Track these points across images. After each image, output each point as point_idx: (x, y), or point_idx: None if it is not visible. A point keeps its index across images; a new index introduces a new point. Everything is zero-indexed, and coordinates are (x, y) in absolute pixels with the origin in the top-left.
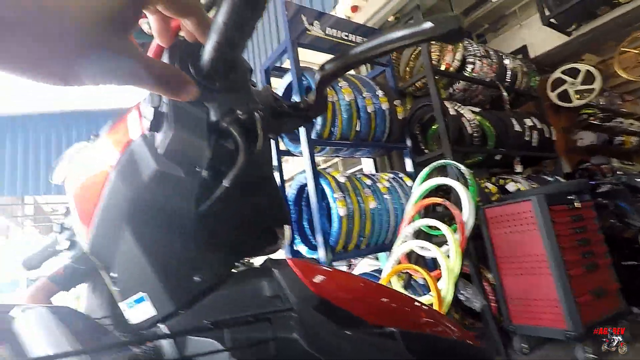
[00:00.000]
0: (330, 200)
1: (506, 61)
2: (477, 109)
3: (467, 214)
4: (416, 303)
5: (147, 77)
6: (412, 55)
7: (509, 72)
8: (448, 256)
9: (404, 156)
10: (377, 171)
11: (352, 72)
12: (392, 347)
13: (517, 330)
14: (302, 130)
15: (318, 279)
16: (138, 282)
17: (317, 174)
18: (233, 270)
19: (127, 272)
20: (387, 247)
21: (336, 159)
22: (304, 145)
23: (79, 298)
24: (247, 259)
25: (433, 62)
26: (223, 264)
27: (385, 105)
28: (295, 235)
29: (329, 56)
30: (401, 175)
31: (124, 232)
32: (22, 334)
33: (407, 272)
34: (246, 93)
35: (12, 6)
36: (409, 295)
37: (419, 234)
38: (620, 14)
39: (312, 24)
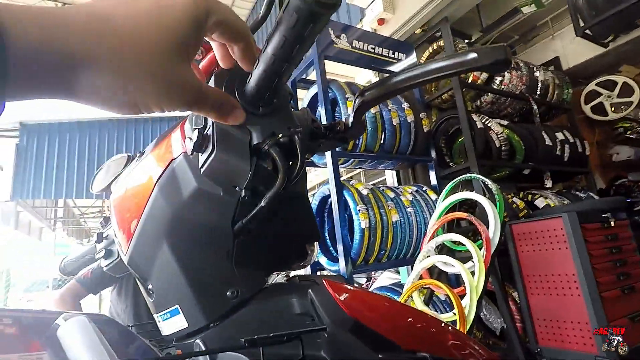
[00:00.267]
0: (353, 212)
1: (537, 73)
2: (505, 122)
3: (493, 229)
4: (443, 324)
5: (205, 103)
6: None
7: (539, 85)
8: (472, 273)
9: (428, 169)
10: (400, 183)
11: None
12: None
13: (543, 353)
14: None
15: (352, 300)
16: (173, 295)
17: (340, 186)
18: (264, 285)
19: (163, 285)
20: (408, 261)
21: (359, 170)
22: (328, 157)
23: (103, 299)
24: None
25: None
26: (254, 279)
27: (410, 118)
28: None
29: (355, 68)
30: (425, 188)
31: (163, 246)
32: (64, 342)
33: (428, 288)
34: (286, 116)
35: (97, 46)
36: (434, 316)
37: (442, 249)
38: None
39: (339, 37)
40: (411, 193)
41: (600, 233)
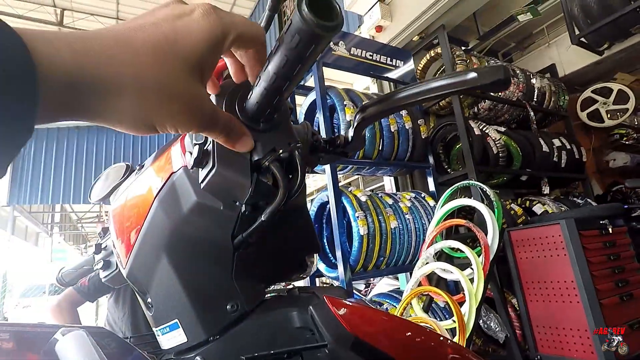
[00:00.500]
0: (351, 218)
1: (534, 80)
2: (502, 129)
3: (491, 236)
4: (442, 339)
5: (216, 127)
6: (437, 74)
7: (536, 91)
8: (471, 280)
9: (426, 175)
10: (398, 190)
11: (375, 90)
12: None
13: None
14: None
15: (352, 316)
16: (172, 309)
17: (338, 193)
18: (263, 298)
19: (162, 299)
20: (407, 267)
21: (357, 176)
22: (326, 165)
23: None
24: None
25: None
26: (254, 293)
27: (408, 125)
28: None
29: (353, 75)
30: (423, 194)
31: (162, 260)
32: (62, 357)
33: (428, 295)
34: (287, 131)
35: (120, 72)
36: (434, 326)
37: (441, 256)
38: None
39: (337, 44)
40: (409, 199)
41: (598, 240)
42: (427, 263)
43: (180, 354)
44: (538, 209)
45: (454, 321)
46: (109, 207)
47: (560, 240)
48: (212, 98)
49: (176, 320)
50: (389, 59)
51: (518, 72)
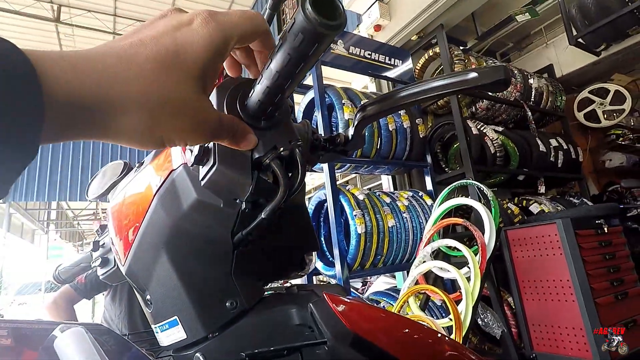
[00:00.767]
0: (349, 217)
1: (531, 80)
2: (500, 128)
3: (488, 235)
4: (440, 336)
5: (222, 134)
6: (435, 74)
7: (534, 92)
8: (468, 278)
9: (424, 174)
10: (395, 188)
11: (374, 89)
12: None
13: (538, 358)
14: None
15: (352, 313)
16: (171, 306)
17: (336, 191)
18: (262, 295)
19: (161, 296)
20: (404, 266)
21: (354, 175)
22: (324, 163)
23: (96, 303)
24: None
25: None
26: (253, 290)
27: (406, 124)
28: None
29: (351, 74)
30: (421, 193)
31: (161, 257)
32: (60, 353)
33: (424, 293)
34: (287, 129)
35: (125, 90)
36: (431, 323)
37: (438, 255)
38: None
39: (335, 43)
40: (407, 198)
41: (594, 239)
42: (424, 262)
43: (179, 351)
44: (535, 208)
45: (451, 319)
46: (106, 205)
47: (556, 240)
48: (214, 96)
49: (175, 317)
50: (387, 58)
51: (516, 72)
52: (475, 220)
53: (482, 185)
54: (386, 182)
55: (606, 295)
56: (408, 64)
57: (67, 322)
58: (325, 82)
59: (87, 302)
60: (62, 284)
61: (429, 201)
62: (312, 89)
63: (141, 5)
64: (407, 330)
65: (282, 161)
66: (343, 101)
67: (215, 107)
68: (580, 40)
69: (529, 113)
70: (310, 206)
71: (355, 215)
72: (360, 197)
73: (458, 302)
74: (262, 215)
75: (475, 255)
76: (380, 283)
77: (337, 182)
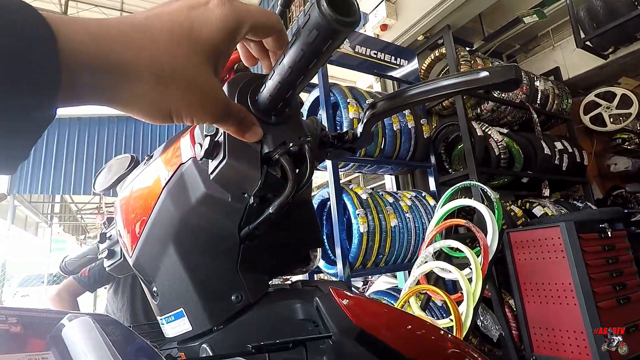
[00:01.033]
0: (352, 216)
1: (537, 83)
2: (505, 130)
3: (491, 237)
4: (443, 332)
5: (229, 118)
6: (441, 74)
7: (540, 94)
8: (469, 279)
9: (427, 175)
10: (399, 188)
11: (379, 89)
12: None
13: None
14: None
15: (358, 308)
16: (178, 298)
17: (339, 190)
18: (267, 290)
19: (168, 288)
20: (406, 266)
21: (357, 174)
22: (328, 161)
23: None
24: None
25: None
26: (259, 284)
27: (411, 124)
28: None
29: (356, 73)
30: (424, 194)
31: (169, 249)
32: (68, 342)
33: (425, 293)
34: (297, 125)
35: (138, 56)
36: (432, 323)
37: (440, 255)
38: None
39: (338, 48)
40: (410, 198)
41: (597, 243)
42: (426, 262)
43: (184, 343)
44: (538, 211)
45: (451, 320)
46: (110, 199)
47: (559, 243)
48: (225, 90)
49: (181, 309)
50: (393, 57)
51: (522, 74)
52: (478, 221)
53: (485, 187)
54: (389, 182)
55: (608, 299)
56: (414, 64)
57: (75, 312)
58: (330, 80)
59: (89, 296)
60: (69, 275)
61: (431, 202)
62: (317, 88)
63: (148, 1)
64: (410, 326)
65: (291, 157)
66: (348, 100)
67: None
68: (587, 43)
69: (535, 115)
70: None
71: (358, 215)
72: (364, 196)
73: (459, 303)
74: (270, 210)
75: (478, 256)
76: (381, 282)
77: (340, 182)
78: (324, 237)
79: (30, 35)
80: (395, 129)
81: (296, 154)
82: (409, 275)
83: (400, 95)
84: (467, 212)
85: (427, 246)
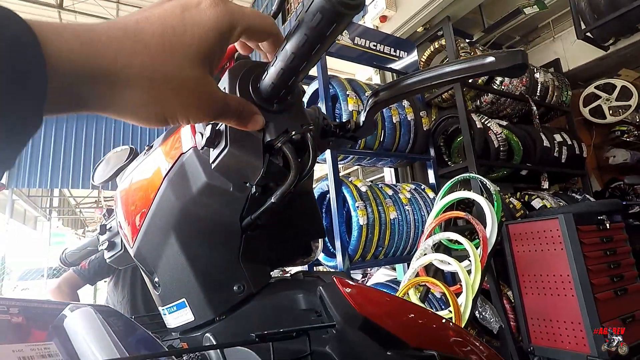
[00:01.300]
0: (351, 208)
1: (537, 74)
2: (504, 123)
3: (490, 229)
4: (445, 321)
5: (228, 114)
6: None
7: (539, 86)
8: (469, 271)
9: (426, 167)
10: (398, 181)
11: (378, 80)
12: None
13: (535, 352)
14: None
15: (361, 297)
16: (180, 288)
17: (339, 182)
18: (269, 280)
19: (170, 278)
20: (405, 258)
21: (356, 167)
22: (327, 154)
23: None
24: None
25: None
26: (260, 275)
27: (410, 116)
28: None
29: (355, 65)
30: (423, 186)
31: (170, 239)
32: (70, 333)
33: (424, 285)
34: (299, 113)
35: (129, 63)
36: (442, 316)
37: (439, 247)
38: None
39: (341, 34)
40: (409, 191)
41: (595, 235)
42: (425, 254)
43: (186, 333)
44: (537, 203)
45: (450, 311)
46: (108, 193)
47: (557, 235)
48: (226, 78)
49: (183, 299)
50: (392, 49)
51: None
52: (477, 214)
53: (484, 179)
54: (388, 174)
55: (606, 290)
56: (413, 56)
57: (76, 303)
58: (329, 72)
59: (89, 289)
60: (69, 267)
61: (431, 194)
62: (316, 80)
63: None
64: (413, 314)
65: (294, 145)
66: (347, 92)
67: (227, 89)
68: (588, 34)
69: (534, 108)
70: None
71: (357, 207)
72: (363, 188)
73: (458, 294)
74: (272, 200)
75: (477, 248)
76: (380, 275)
77: (340, 174)
78: None
79: (13, 43)
80: (394, 121)
81: (298, 143)
82: (408, 267)
83: (404, 82)
84: (466, 205)
85: (426, 238)
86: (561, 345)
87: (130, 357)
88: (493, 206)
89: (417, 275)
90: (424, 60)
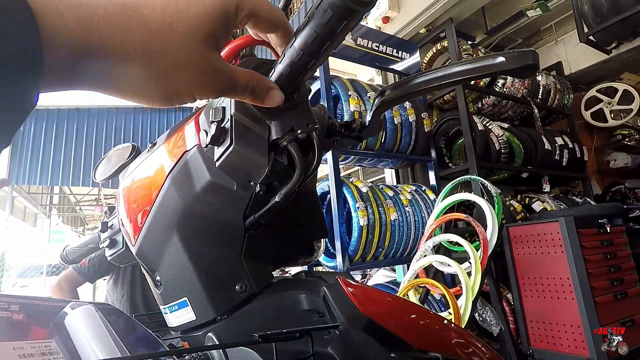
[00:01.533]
0: (352, 209)
1: (539, 77)
2: (506, 125)
3: (490, 231)
4: (447, 322)
5: (238, 88)
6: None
7: (541, 89)
8: (468, 273)
9: (427, 169)
10: (399, 182)
11: (380, 81)
12: None
13: (535, 355)
14: None
15: (365, 298)
16: (182, 287)
17: (340, 183)
18: (271, 280)
19: (172, 277)
20: (405, 259)
21: (357, 168)
22: (328, 154)
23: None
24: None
25: None
26: (263, 274)
27: (412, 117)
28: None
29: (358, 65)
30: (424, 188)
31: (173, 238)
32: (71, 330)
33: (424, 287)
34: (305, 112)
35: (127, 39)
36: (444, 317)
37: (439, 249)
38: None
39: (351, 31)
40: (410, 192)
41: (596, 238)
42: (425, 255)
43: (188, 332)
44: (537, 206)
45: (450, 313)
46: (108, 191)
47: (558, 238)
48: None
49: (185, 298)
50: (394, 50)
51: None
52: (478, 216)
53: (486, 182)
54: (389, 175)
55: (606, 294)
56: (416, 57)
57: (77, 300)
58: (331, 73)
59: (88, 287)
60: (69, 264)
61: (431, 196)
62: (318, 80)
63: None
64: (415, 315)
65: (299, 144)
66: (349, 93)
67: None
68: (591, 37)
69: (536, 110)
70: None
71: (358, 208)
72: (364, 189)
73: (458, 296)
74: (276, 199)
75: (477, 250)
76: (380, 276)
77: (340, 175)
78: None
79: (6, 15)
80: (396, 122)
81: (304, 142)
82: (408, 268)
83: (411, 82)
84: (466, 207)
85: (426, 240)
86: (560, 349)
87: (132, 356)
88: (494, 208)
89: (417, 276)
90: (426, 61)
